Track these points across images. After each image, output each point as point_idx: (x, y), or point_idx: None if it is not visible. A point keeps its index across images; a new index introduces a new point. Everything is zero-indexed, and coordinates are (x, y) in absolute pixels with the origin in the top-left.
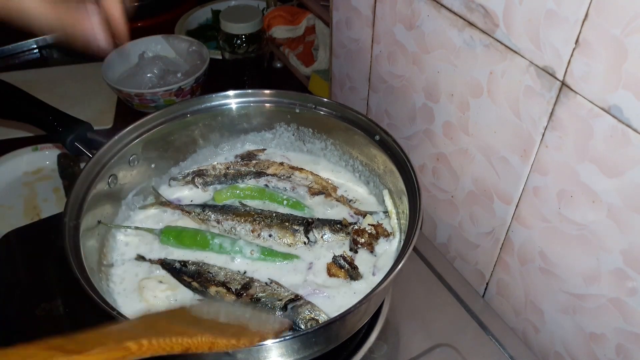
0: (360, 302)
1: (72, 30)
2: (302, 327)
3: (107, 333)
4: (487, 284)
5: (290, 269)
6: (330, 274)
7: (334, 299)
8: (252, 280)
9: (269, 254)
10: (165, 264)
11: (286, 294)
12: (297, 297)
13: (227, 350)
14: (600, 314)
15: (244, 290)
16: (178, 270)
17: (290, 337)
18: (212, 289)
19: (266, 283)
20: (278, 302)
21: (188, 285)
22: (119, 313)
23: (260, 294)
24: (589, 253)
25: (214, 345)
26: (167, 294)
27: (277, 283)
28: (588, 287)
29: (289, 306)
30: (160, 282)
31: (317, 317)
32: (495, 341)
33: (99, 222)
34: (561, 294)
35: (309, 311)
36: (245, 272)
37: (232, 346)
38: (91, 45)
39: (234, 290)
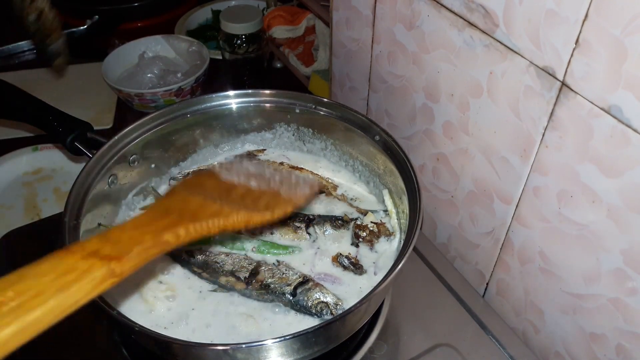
0: (360, 302)
1: None
2: (313, 311)
3: (142, 226)
4: (487, 284)
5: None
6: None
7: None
8: (259, 264)
9: (271, 247)
10: (173, 256)
11: (294, 277)
12: (305, 280)
13: (263, 223)
14: (600, 314)
15: (252, 277)
16: (186, 262)
17: (290, 337)
18: (222, 279)
19: (274, 264)
20: (287, 287)
21: (199, 275)
22: (119, 313)
23: (270, 280)
24: (589, 253)
25: (249, 221)
26: (167, 294)
27: (285, 265)
28: (588, 287)
29: (298, 290)
30: (160, 282)
31: (326, 300)
32: (495, 341)
33: (99, 224)
34: (561, 294)
35: (319, 294)
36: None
37: (267, 220)
38: None
39: (242, 278)
